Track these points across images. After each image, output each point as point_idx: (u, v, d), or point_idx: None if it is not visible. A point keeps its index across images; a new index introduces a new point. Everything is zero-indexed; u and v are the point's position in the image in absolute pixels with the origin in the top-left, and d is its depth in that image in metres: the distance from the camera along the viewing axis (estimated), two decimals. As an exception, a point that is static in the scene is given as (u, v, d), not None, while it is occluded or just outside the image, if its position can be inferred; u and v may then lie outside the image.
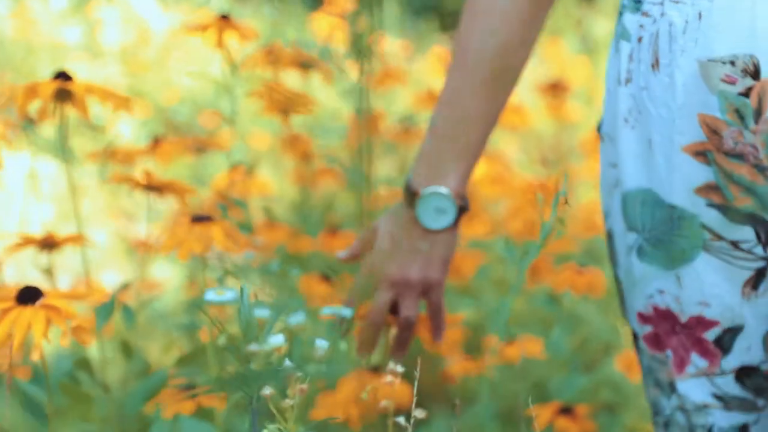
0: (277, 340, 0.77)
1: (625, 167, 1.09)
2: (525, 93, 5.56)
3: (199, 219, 1.28)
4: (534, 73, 4.84)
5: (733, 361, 1.09)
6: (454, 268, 2.25)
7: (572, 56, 6.30)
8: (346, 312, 1.24)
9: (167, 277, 3.01)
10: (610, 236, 1.18)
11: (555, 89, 3.04)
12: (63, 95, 1.30)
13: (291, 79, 2.36)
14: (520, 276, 1.13)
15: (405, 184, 1.21)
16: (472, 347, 2.11)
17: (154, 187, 1.37)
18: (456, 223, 1.21)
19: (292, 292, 1.85)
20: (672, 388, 1.11)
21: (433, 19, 6.79)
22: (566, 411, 1.54)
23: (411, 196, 1.20)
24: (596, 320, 2.58)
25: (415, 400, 0.81)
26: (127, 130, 5.84)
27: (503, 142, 5.98)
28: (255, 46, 2.12)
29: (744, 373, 1.10)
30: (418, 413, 0.75)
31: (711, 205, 1.04)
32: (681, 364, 1.09)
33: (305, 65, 1.75)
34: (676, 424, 1.12)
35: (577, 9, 6.91)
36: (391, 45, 6.54)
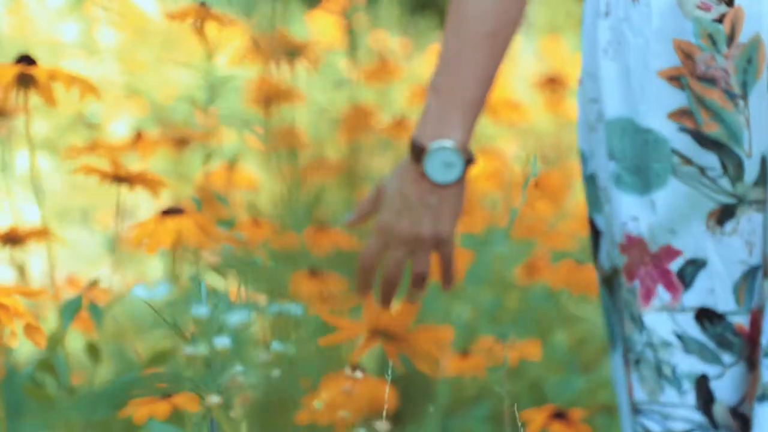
0: (222, 341, 0.69)
1: (606, 98, 1.12)
2: (524, 90, 5.48)
3: (170, 212, 1.21)
4: (533, 70, 4.75)
5: (693, 298, 1.12)
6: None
7: (572, 54, 6.23)
8: (296, 310, 1.21)
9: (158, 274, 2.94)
10: (591, 180, 1.21)
11: (553, 83, 2.96)
12: (26, 81, 1.23)
13: (284, 73, 2.29)
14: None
15: (411, 142, 1.22)
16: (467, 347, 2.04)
17: (122, 179, 1.29)
18: (463, 175, 1.22)
19: (278, 289, 1.77)
20: (641, 322, 1.13)
21: (432, 17, 6.72)
22: (560, 415, 1.46)
23: (418, 151, 1.21)
24: (594, 319, 2.51)
25: (385, 408, 0.74)
26: (122, 128, 5.78)
27: (502, 140, 5.92)
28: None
29: (705, 316, 1.12)
30: (380, 427, 0.67)
31: (683, 129, 1.08)
32: (647, 295, 1.11)
33: (291, 54, 1.66)
34: (645, 361, 1.14)
35: (577, 8, 6.84)
36: (389, 42, 6.49)
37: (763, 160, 1.09)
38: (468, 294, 2.60)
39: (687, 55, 1.07)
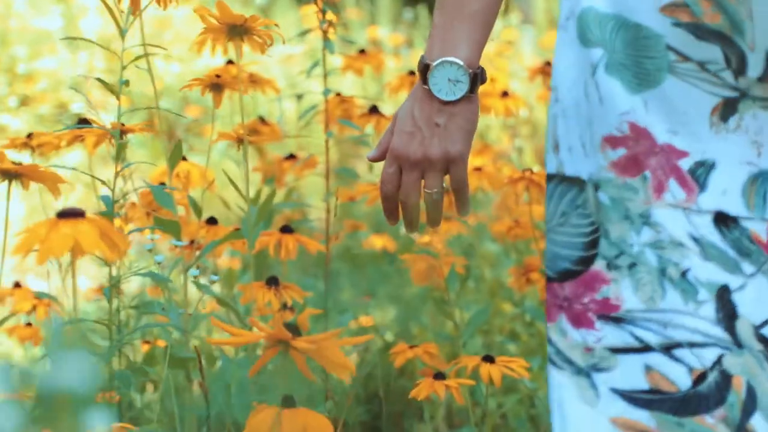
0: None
1: None
2: (521, 84, 5.27)
3: (67, 215, 0.97)
4: (531, 64, 4.55)
5: (709, 200, 1.04)
6: (438, 274, 1.96)
7: None
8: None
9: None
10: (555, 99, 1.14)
11: (546, 72, 2.72)
12: None
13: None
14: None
15: (419, 61, 1.18)
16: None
17: (10, 174, 1.06)
18: (472, 92, 1.18)
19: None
20: (645, 218, 1.05)
21: (426, 10, 6.49)
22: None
23: (423, 69, 1.17)
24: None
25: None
26: (111, 117, 5.57)
27: (495, 136, 5.71)
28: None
29: (722, 222, 1.04)
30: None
31: (677, 24, 1.02)
32: (659, 187, 1.03)
33: (238, 32, 1.43)
34: (644, 263, 1.05)
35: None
36: (382, 35, 6.28)
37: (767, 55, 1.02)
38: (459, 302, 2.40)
39: None
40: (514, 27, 5.99)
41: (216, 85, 1.63)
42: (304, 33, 2.10)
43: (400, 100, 2.55)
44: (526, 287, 2.43)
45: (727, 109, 1.04)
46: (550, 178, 1.13)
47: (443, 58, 1.16)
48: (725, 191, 1.04)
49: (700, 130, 1.04)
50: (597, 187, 1.08)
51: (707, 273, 1.04)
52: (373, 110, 2.35)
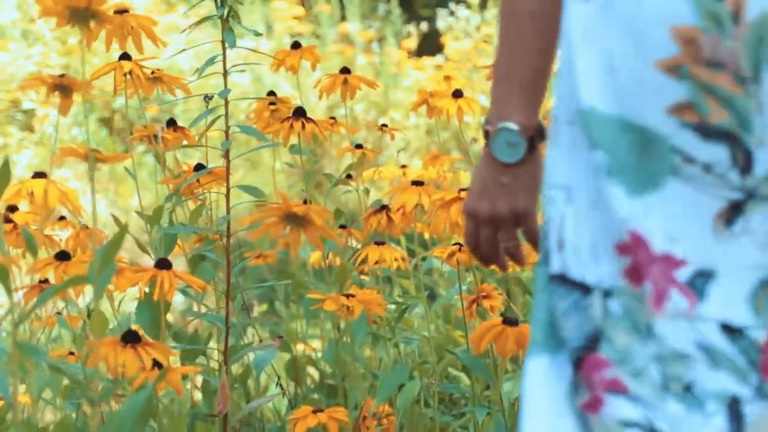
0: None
1: (583, 85, 1.04)
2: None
3: None
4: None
5: (712, 309, 1.00)
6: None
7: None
8: None
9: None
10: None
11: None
12: None
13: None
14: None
15: (483, 125, 1.22)
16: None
17: None
18: (531, 153, 1.20)
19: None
20: (649, 331, 1.01)
21: (398, 7, 6.12)
22: None
23: (485, 134, 1.22)
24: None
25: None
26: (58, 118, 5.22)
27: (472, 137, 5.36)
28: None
29: (728, 332, 0.99)
30: None
31: (684, 125, 1.00)
32: (660, 298, 1.00)
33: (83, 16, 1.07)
34: (646, 376, 1.01)
35: None
36: (353, 30, 5.94)
37: None
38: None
39: (688, 41, 0.98)
40: (491, 23, 5.62)
41: (62, 87, 1.26)
42: (199, 22, 1.72)
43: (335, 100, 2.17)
44: (475, 317, 2.07)
45: (732, 213, 1.01)
46: (552, 276, 1.09)
47: (500, 125, 1.18)
48: (727, 301, 1.00)
49: (701, 237, 1.01)
50: (607, 294, 1.05)
51: (716, 382, 1.01)
52: (298, 113, 1.98)
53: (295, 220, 1.32)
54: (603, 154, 1.04)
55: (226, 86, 1.68)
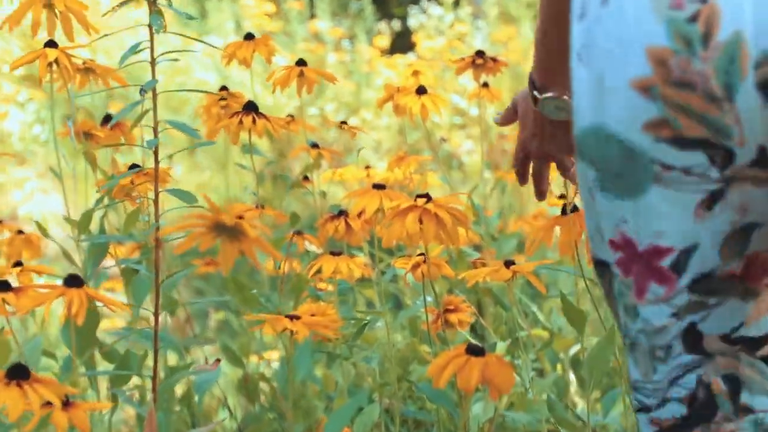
0: None
1: (579, 105, 1.06)
2: (468, 79, 4.70)
3: None
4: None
5: (688, 277, 1.07)
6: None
7: (527, 44, 5.54)
8: None
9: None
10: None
11: (477, 65, 2.13)
12: None
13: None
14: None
15: (529, 80, 1.32)
16: None
17: None
18: None
19: None
20: (636, 312, 1.11)
21: (370, 4, 5.89)
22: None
23: (533, 98, 1.32)
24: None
25: None
26: (20, 115, 4.98)
27: (444, 136, 5.16)
28: None
29: (696, 282, 1.07)
30: None
31: (659, 140, 1.01)
32: (641, 291, 1.09)
33: None
34: (639, 345, 1.13)
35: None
36: (323, 28, 5.71)
37: (762, 149, 1.00)
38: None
39: (660, 62, 0.99)
40: (464, 21, 5.41)
41: None
42: (122, 4, 1.49)
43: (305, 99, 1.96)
44: (442, 329, 1.86)
45: (712, 199, 1.03)
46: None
47: (545, 95, 1.31)
48: (703, 260, 1.06)
49: (684, 224, 1.05)
50: (614, 276, 1.13)
51: (679, 327, 1.10)
52: (249, 107, 1.75)
53: (227, 231, 1.10)
54: (594, 172, 1.07)
55: (153, 76, 1.45)
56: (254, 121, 1.70)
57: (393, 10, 6.02)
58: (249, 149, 2.14)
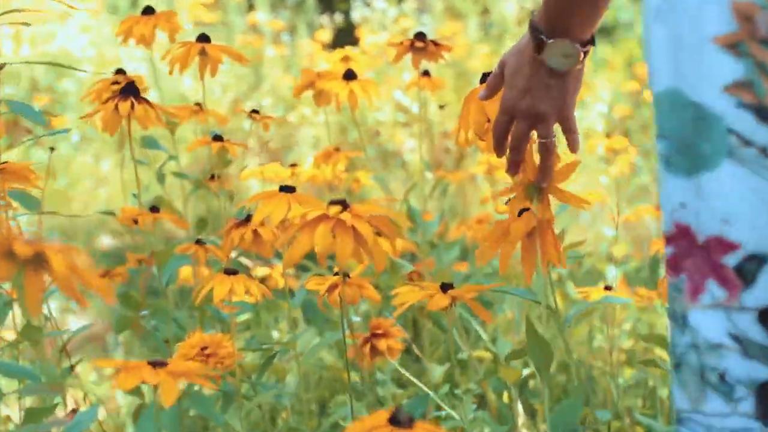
0: None
1: (655, 68, 0.96)
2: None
3: None
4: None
5: (757, 296, 0.92)
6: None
7: (473, 41, 5.21)
8: None
9: None
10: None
11: (418, 49, 1.77)
12: None
13: None
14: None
15: (530, 27, 1.21)
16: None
17: None
18: (581, 62, 1.21)
19: None
20: (685, 320, 0.95)
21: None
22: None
23: (537, 43, 1.20)
24: None
25: None
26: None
27: (387, 134, 4.81)
28: None
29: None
30: None
31: (741, 105, 0.91)
32: (695, 291, 0.93)
33: None
34: (687, 365, 0.95)
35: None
36: (262, 21, 5.33)
37: None
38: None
39: (746, 17, 0.90)
40: (409, 15, 5.06)
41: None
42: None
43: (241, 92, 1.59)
44: (371, 360, 1.52)
45: None
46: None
47: (558, 38, 1.18)
48: None
49: (757, 220, 0.91)
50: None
51: (748, 370, 0.93)
52: (128, 91, 1.37)
53: (29, 261, 0.73)
54: (665, 142, 0.96)
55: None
56: (133, 106, 1.32)
57: (336, 3, 5.65)
58: (152, 142, 1.77)
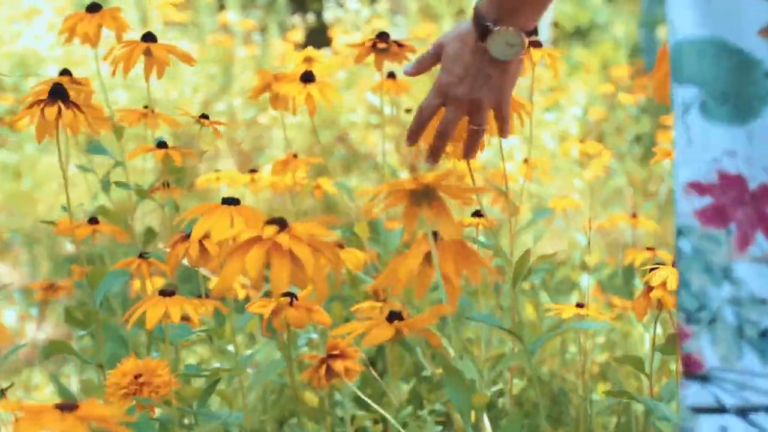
0: None
1: (677, 16, 0.90)
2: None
3: None
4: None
5: None
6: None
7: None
8: None
9: None
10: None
11: (381, 51, 1.65)
12: None
13: None
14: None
15: (475, 15, 1.19)
16: None
17: None
18: (524, 52, 1.20)
19: None
20: (726, 273, 0.88)
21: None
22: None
23: (482, 31, 1.18)
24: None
25: None
26: None
27: (359, 137, 4.70)
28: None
29: None
30: None
31: None
32: (744, 242, 0.87)
33: None
34: (721, 321, 0.88)
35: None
36: (232, 20, 5.20)
37: None
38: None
39: None
40: (382, 16, 4.94)
41: None
42: None
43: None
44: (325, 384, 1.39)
45: None
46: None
47: (503, 27, 1.17)
48: None
49: None
50: (680, 233, 0.92)
51: None
52: (55, 94, 1.23)
53: None
54: (695, 89, 0.89)
55: None
56: (60, 111, 1.19)
57: (309, 3, 5.52)
58: (98, 147, 1.64)
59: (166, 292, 1.14)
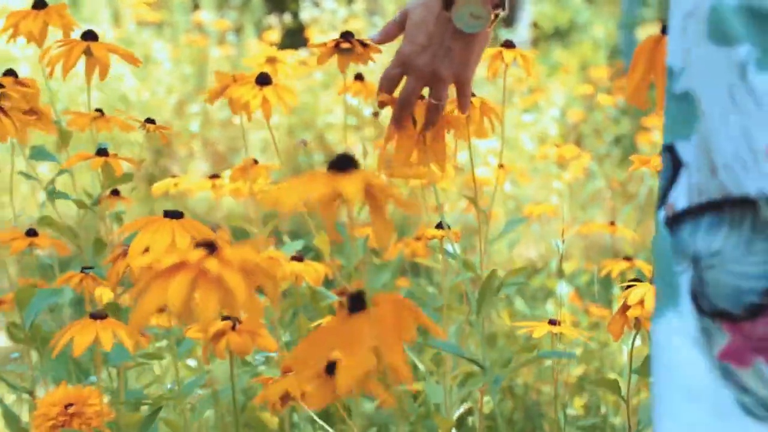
0: None
1: None
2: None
3: None
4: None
5: None
6: None
7: None
8: None
9: None
10: (684, 98, 0.83)
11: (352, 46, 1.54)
12: None
13: None
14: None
15: None
16: None
17: None
18: (488, 27, 1.15)
19: None
20: None
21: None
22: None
23: (446, 2, 1.13)
24: None
25: None
26: None
27: (337, 137, 4.59)
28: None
29: None
30: None
31: None
32: None
33: None
34: None
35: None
36: (207, 20, 5.07)
37: None
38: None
39: None
40: (359, 16, 4.83)
41: None
42: None
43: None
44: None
45: None
46: (711, 206, 0.82)
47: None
48: None
49: None
50: (745, 220, 0.81)
51: None
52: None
53: None
54: (747, 46, 0.79)
55: None
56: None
57: (286, 3, 5.40)
58: (42, 153, 1.53)
59: (96, 315, 1.03)
